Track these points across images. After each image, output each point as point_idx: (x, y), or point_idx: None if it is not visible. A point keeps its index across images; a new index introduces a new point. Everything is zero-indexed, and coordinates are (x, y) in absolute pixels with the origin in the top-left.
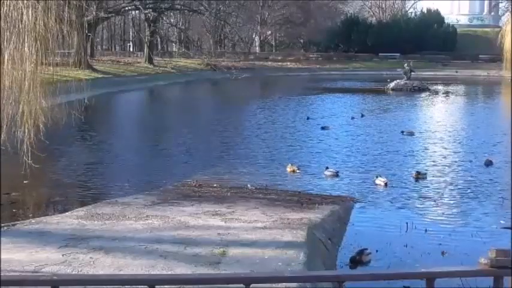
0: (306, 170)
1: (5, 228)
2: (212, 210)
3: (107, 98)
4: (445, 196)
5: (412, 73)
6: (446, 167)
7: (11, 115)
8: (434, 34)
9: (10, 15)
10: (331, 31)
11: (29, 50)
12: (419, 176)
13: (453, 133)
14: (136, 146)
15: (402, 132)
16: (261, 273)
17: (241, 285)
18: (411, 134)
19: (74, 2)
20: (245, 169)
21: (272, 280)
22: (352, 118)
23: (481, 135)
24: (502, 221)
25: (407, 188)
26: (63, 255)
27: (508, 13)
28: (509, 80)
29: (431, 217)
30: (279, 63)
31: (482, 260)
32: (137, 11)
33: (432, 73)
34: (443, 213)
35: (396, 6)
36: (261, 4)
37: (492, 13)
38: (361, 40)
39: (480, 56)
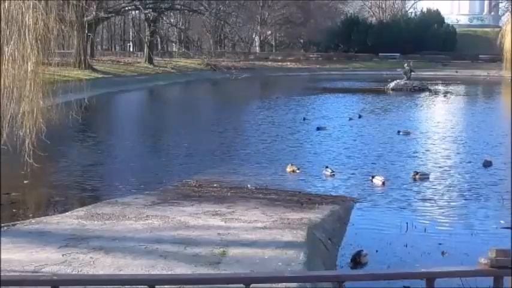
0: (306, 170)
1: (5, 228)
2: (212, 210)
3: (107, 98)
4: (445, 196)
5: (412, 73)
6: (447, 167)
7: (11, 115)
8: (434, 34)
9: (11, 15)
10: (331, 31)
11: (30, 50)
12: (420, 177)
13: (453, 133)
14: (137, 146)
15: (398, 132)
16: (261, 273)
17: (241, 285)
18: (407, 133)
19: (74, 2)
20: (245, 169)
21: (272, 280)
22: (350, 119)
23: (481, 136)
24: (502, 221)
25: (406, 188)
26: (63, 255)
27: (508, 13)
28: (509, 80)
29: (431, 217)
30: (279, 63)
31: (482, 260)
32: (137, 11)
33: (432, 73)
34: (443, 213)
35: (396, 6)
36: (261, 4)
37: (492, 13)
38: (361, 40)
39: (480, 56)
